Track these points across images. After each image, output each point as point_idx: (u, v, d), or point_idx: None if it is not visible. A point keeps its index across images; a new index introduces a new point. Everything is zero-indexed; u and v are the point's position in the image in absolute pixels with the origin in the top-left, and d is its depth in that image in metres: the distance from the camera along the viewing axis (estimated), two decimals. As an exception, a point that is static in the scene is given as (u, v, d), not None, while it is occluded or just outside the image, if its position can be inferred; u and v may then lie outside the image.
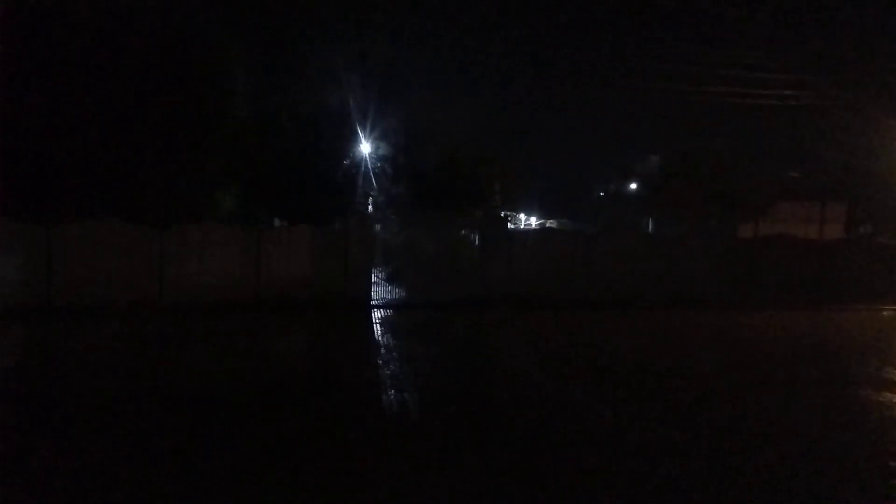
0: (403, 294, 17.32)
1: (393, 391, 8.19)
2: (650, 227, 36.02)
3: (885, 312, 15.97)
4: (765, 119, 26.97)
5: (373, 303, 15.77)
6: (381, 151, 19.58)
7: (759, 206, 29.33)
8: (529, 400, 7.84)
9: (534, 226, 43.75)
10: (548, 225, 41.57)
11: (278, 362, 9.94)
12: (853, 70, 25.29)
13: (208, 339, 11.34)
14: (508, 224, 22.74)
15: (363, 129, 19.34)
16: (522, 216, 44.69)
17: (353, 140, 19.41)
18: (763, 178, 28.37)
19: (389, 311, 15.23)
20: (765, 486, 5.30)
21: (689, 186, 29.25)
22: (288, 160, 18.60)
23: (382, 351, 10.96)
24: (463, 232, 18.46)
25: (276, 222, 21.05)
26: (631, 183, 39.87)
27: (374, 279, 16.85)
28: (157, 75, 16.59)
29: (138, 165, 16.42)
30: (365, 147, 19.79)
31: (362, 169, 19.14)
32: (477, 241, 17.81)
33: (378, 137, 19.48)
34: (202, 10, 20.85)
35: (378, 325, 13.39)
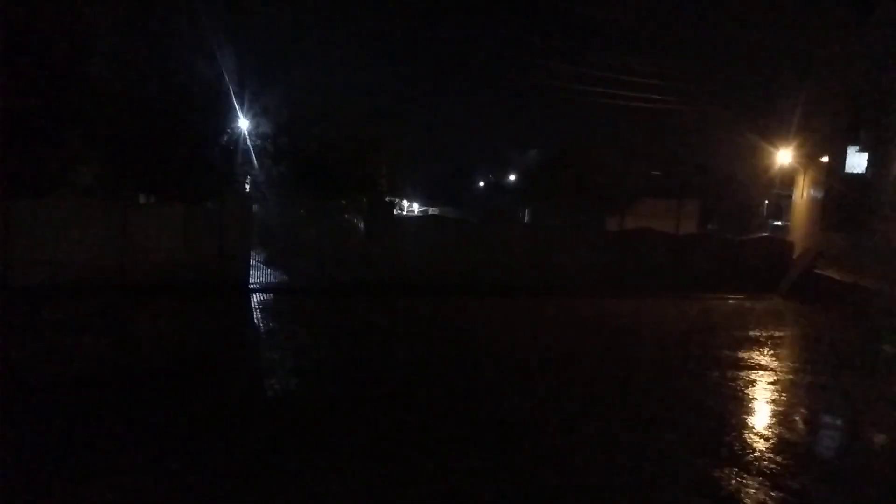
0: (285, 278, 16.81)
1: (267, 379, 7.95)
2: (527, 216, 37.58)
3: (730, 301, 17.75)
4: (632, 121, 28.91)
5: (251, 286, 15.16)
6: (261, 129, 18.73)
7: (625, 200, 31.55)
8: (406, 382, 7.93)
9: (416, 212, 44.04)
10: (430, 212, 42.08)
11: (141, 349, 9.30)
12: (709, 80, 27.75)
13: (62, 325, 10.35)
14: (395, 210, 22.70)
15: (242, 104, 18.40)
16: (405, 202, 44.82)
17: (232, 115, 18.42)
18: (629, 176, 30.48)
19: (269, 296, 14.72)
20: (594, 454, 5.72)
21: (563, 180, 30.88)
22: (157, 132, 17.31)
23: (257, 336, 10.60)
24: (347, 216, 18.20)
25: (142, 198, 19.59)
26: (510, 175, 41.30)
27: (253, 262, 16.20)
28: None
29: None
30: (244, 123, 18.85)
31: (241, 146, 18.23)
32: (362, 226, 17.63)
33: (259, 114, 18.61)
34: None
35: (255, 310, 12.91)
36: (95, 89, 17.39)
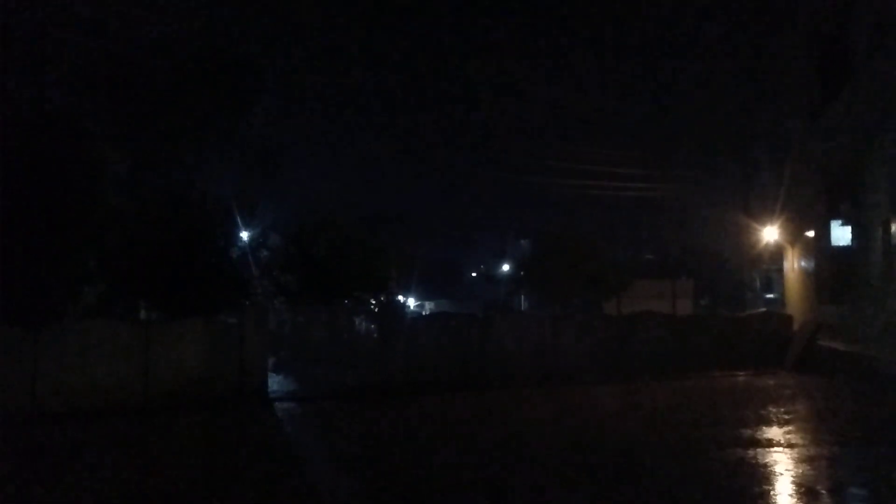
0: (298, 385, 16.89)
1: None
2: (523, 304, 38.07)
3: (739, 378, 18.03)
4: (621, 208, 30.23)
5: (271, 396, 15.23)
6: (270, 241, 19.41)
7: (619, 284, 32.29)
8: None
9: (412, 308, 44.42)
10: (427, 307, 42.52)
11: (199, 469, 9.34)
12: (688, 162, 29.34)
13: (91, 449, 10.45)
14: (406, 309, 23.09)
15: (253, 217, 19.14)
16: (400, 298, 45.30)
17: (243, 228, 19.09)
18: (621, 260, 31.39)
19: (291, 405, 14.80)
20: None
21: (557, 267, 31.65)
22: (171, 250, 17.81)
23: (295, 450, 10.69)
24: (358, 319, 18.54)
25: (142, 314, 19.76)
26: (503, 265, 42.22)
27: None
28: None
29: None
30: (254, 235, 19.54)
31: (252, 257, 18.78)
32: (374, 328, 17.93)
33: (268, 226, 19.37)
34: (67, 91, 19.86)
35: (284, 421, 13.02)
36: (108, 210, 17.98)
